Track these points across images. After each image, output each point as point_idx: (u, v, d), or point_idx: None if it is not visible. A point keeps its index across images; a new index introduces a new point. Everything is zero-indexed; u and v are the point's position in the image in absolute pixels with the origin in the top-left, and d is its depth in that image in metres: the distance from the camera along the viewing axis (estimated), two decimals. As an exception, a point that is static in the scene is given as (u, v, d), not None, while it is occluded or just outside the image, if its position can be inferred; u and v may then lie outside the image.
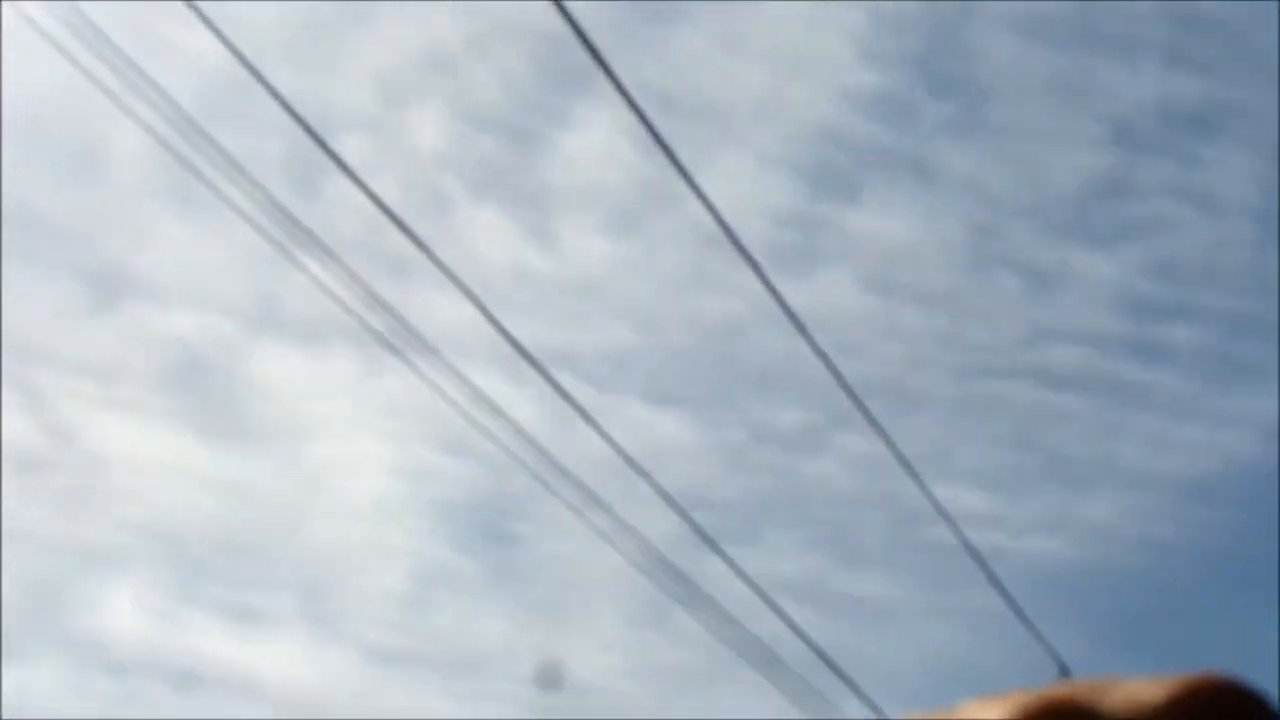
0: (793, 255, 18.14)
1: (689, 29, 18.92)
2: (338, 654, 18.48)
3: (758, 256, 7.36)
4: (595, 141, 17.58)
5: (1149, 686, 0.30)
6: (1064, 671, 12.81)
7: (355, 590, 18.44)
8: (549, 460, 9.19)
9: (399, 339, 8.63)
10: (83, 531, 17.57)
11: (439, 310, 9.65)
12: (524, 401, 9.99)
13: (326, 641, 18.64)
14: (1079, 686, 0.32)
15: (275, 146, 10.05)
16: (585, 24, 6.10)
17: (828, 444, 20.08)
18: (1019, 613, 10.96)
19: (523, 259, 17.16)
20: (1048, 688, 0.32)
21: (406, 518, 19.13)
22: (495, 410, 8.63)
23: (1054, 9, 19.76)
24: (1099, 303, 20.60)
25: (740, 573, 9.23)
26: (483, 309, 7.36)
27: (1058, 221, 21.22)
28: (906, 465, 8.23)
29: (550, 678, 13.64)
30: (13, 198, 15.78)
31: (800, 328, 7.03)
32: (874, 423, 7.92)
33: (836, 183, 19.85)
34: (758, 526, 18.85)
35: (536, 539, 18.65)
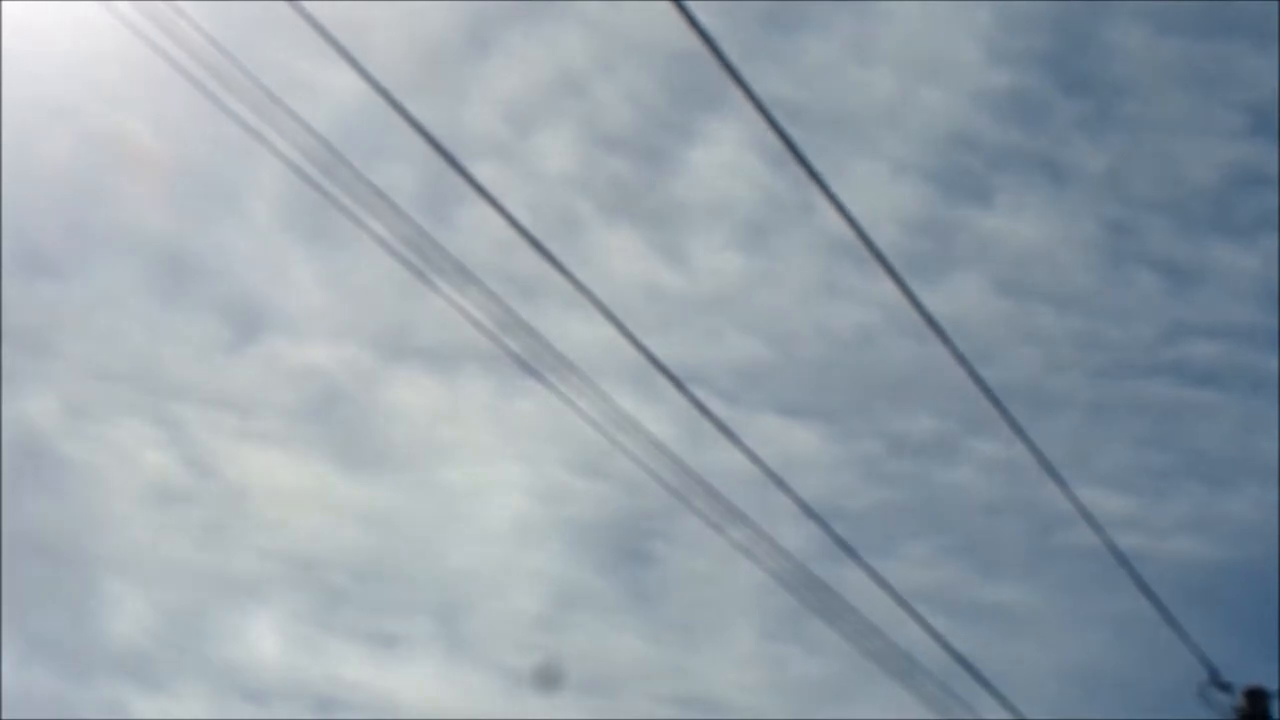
0: (925, 261, 17.98)
1: (816, 38, 18.88)
2: (476, 676, 18.58)
3: (890, 264, 7.31)
4: (723, 157, 17.59)
5: None
6: (1214, 676, 12.54)
7: (492, 612, 18.54)
8: (687, 476, 9.18)
9: (534, 361, 8.67)
10: (224, 561, 17.82)
11: (570, 331, 9.69)
12: (657, 419, 9.99)
13: (464, 664, 18.75)
14: None
15: (405, 177, 10.16)
16: (709, 37, 6.10)
17: (963, 451, 19.88)
18: (1166, 615, 10.75)
19: (654, 276, 17.19)
20: None
21: (542, 539, 19.20)
22: (634, 428, 8.64)
23: None
24: (1239, 295, 20.21)
25: (881, 581, 9.16)
26: (619, 325, 7.38)
27: (1195, 215, 20.87)
28: (1049, 468, 8.14)
29: (549, 678, 13.57)
30: (157, 237, 16.06)
31: (940, 332, 6.98)
32: (1015, 426, 7.84)
33: (968, 186, 19.69)
34: (894, 536, 18.71)
35: (672, 557, 18.65)
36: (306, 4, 6.39)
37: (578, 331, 10.24)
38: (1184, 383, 20.45)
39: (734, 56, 6.40)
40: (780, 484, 8.54)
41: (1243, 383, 20.71)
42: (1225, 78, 19.65)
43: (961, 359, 7.18)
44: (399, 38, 14.07)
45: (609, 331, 8.85)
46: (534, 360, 8.69)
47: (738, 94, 6.55)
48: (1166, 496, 20.39)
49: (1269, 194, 20.69)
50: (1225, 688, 12.47)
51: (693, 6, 6.01)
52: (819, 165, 6.64)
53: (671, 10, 6.01)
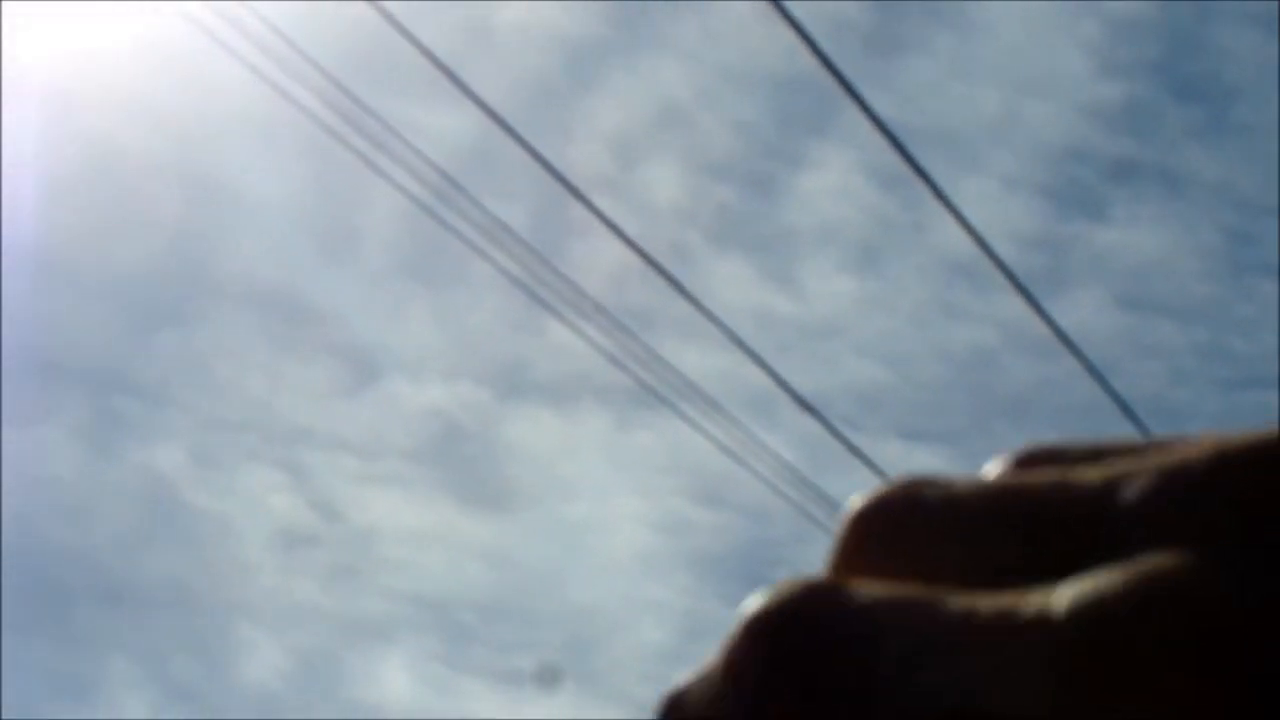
0: (1043, 277, 17.79)
1: (920, 58, 18.79)
2: (605, 709, 18.58)
3: (1003, 281, 7.22)
4: (830, 181, 17.53)
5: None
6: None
7: (621, 647, 18.53)
8: (817, 502, 9.12)
9: (655, 391, 8.65)
10: (352, 603, 17.96)
11: (684, 362, 9.69)
12: (779, 447, 9.95)
13: (595, 700, 18.75)
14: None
15: (514, 215, 10.21)
16: (817, 62, 6.07)
17: (1087, 472, 19.59)
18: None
19: (767, 304, 17.14)
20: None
21: (668, 572, 19.18)
22: (763, 452, 8.58)
23: (1293, 3, 19.19)
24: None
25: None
26: (745, 348, 7.34)
27: (1314, 222, 20.52)
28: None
29: (549, 677, 13.48)
30: (274, 282, 16.27)
31: (1069, 344, 6.88)
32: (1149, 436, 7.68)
33: (1082, 200, 19.50)
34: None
35: (799, 584, 18.54)
36: (407, 44, 6.42)
37: (692, 362, 10.23)
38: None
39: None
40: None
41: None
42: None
43: (1094, 371, 7.07)
44: (500, 77, 14.18)
45: (723, 361, 8.83)
46: (654, 391, 8.66)
47: (843, 118, 6.51)
48: None
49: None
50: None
51: (790, 34, 5.99)
52: (929, 186, 6.57)
53: (771, 38, 5.98)
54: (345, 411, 18.04)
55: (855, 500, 0.28)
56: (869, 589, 0.26)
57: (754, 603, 0.26)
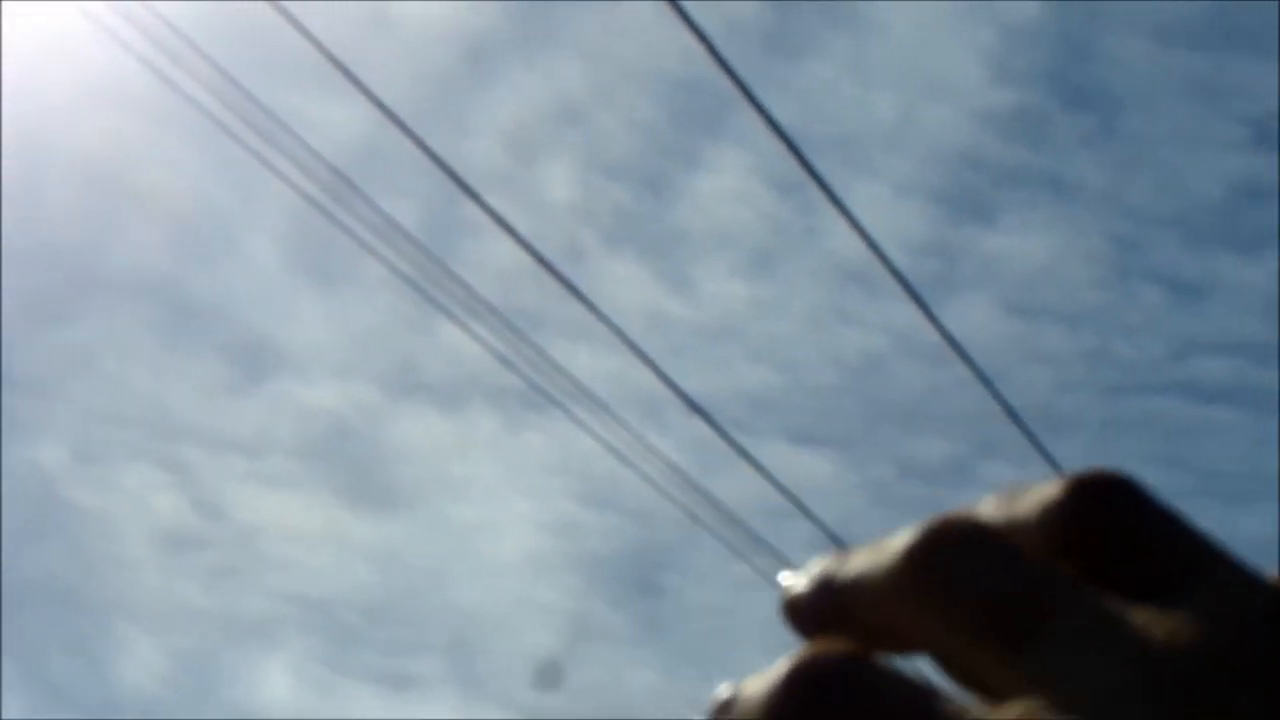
0: (933, 282, 17.92)
1: (817, 61, 18.87)
2: (491, 714, 18.49)
3: (895, 288, 7.23)
4: (726, 184, 17.56)
5: (1036, 493, 0.33)
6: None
7: (506, 650, 18.46)
8: (705, 505, 9.10)
9: (545, 393, 8.60)
10: (235, 604, 17.75)
11: (575, 363, 9.64)
12: (668, 450, 9.94)
13: (479, 703, 18.66)
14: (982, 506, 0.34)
15: (406, 212, 10.11)
16: (714, 64, 6.04)
17: (975, 475, 19.82)
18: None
19: (660, 306, 17.13)
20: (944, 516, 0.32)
21: (554, 573, 19.13)
22: (652, 455, 8.55)
23: (1186, 9, 19.48)
24: (1248, 311, 20.16)
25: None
26: (639, 352, 7.30)
27: (1201, 229, 20.84)
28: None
29: (549, 678, 13.53)
30: (161, 277, 16.04)
31: (960, 351, 6.90)
32: (1037, 444, 7.76)
33: (973, 205, 19.69)
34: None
35: (685, 588, 18.57)
36: (301, 38, 6.32)
37: (583, 363, 10.19)
38: (1195, 400, 20.39)
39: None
40: (800, 507, 8.46)
41: (1254, 400, 20.65)
42: (1228, 89, 19.66)
43: (983, 377, 7.11)
44: (395, 72, 14.05)
45: (614, 363, 8.80)
46: (545, 392, 8.60)
47: (739, 120, 6.50)
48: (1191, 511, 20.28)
49: (1275, 206, 20.67)
50: None
51: (687, 35, 5.96)
52: (823, 191, 6.57)
53: (669, 38, 5.95)
54: (232, 409, 17.81)
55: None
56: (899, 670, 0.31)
57: (804, 652, 0.31)
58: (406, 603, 18.65)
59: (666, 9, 5.67)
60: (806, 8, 18.46)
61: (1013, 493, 0.34)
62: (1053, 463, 8.29)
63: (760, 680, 0.32)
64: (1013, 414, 7.45)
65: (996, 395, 7.31)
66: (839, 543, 8.68)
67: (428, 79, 16.07)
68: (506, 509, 18.45)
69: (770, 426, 18.23)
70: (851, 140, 18.42)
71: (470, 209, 7.29)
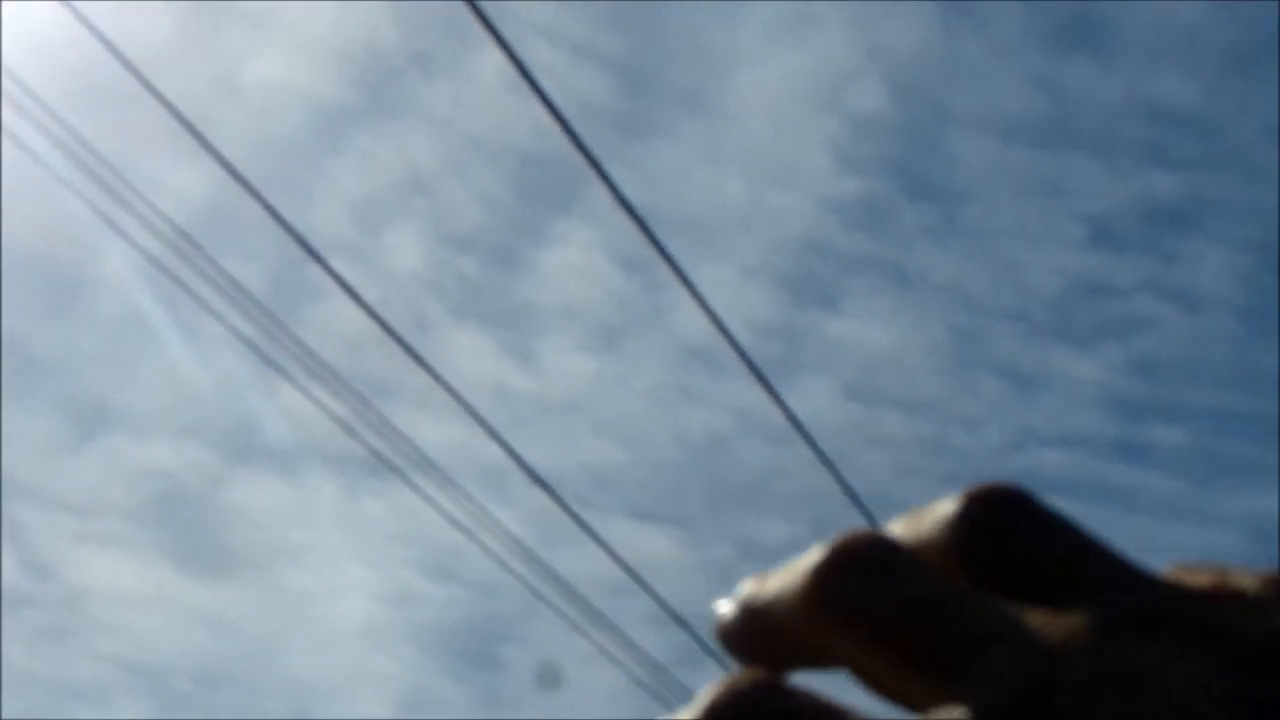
0: (775, 365, 18.08)
1: (668, 143, 19.04)
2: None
3: (739, 368, 7.30)
4: (574, 259, 17.61)
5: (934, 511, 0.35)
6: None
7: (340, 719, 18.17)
8: (546, 578, 9.07)
9: (387, 461, 8.53)
10: (62, 668, 17.32)
11: (420, 431, 9.58)
12: (510, 522, 9.89)
13: (313, 772, 18.34)
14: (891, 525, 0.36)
15: (250, 276, 10.02)
16: (566, 139, 6.08)
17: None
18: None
19: (505, 378, 17.09)
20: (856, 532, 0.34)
21: (391, 643, 18.91)
22: (493, 527, 8.51)
23: (1029, 109, 19.95)
24: (1083, 404, 20.60)
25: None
26: (483, 423, 7.27)
27: (1039, 323, 21.27)
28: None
29: (550, 678, 13.45)
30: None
31: (803, 432, 6.97)
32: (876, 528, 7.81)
33: (817, 291, 19.93)
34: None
35: (523, 661, 18.44)
36: (153, 100, 6.26)
37: (426, 433, 10.12)
38: (1031, 490, 20.68)
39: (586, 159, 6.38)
40: (640, 583, 8.45)
41: (1087, 492, 21.04)
42: (1067, 188, 20.16)
43: (824, 459, 7.18)
44: (246, 137, 13.94)
45: (458, 433, 8.76)
46: (388, 461, 8.54)
47: (589, 197, 6.54)
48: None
49: (1109, 302, 21.17)
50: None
51: (540, 110, 6.00)
52: (672, 269, 6.62)
53: (521, 113, 5.99)
54: (64, 467, 17.45)
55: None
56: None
57: (716, 685, 0.32)
58: (240, 670, 18.32)
59: (519, 83, 5.71)
60: (660, 90, 18.65)
61: (914, 512, 0.35)
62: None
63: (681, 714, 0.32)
64: (853, 496, 7.54)
65: (838, 477, 7.39)
66: (679, 621, 8.69)
67: (277, 145, 15.97)
68: (345, 577, 18.22)
69: (613, 502, 18.25)
70: (699, 222, 18.59)
71: (315, 274, 7.25)
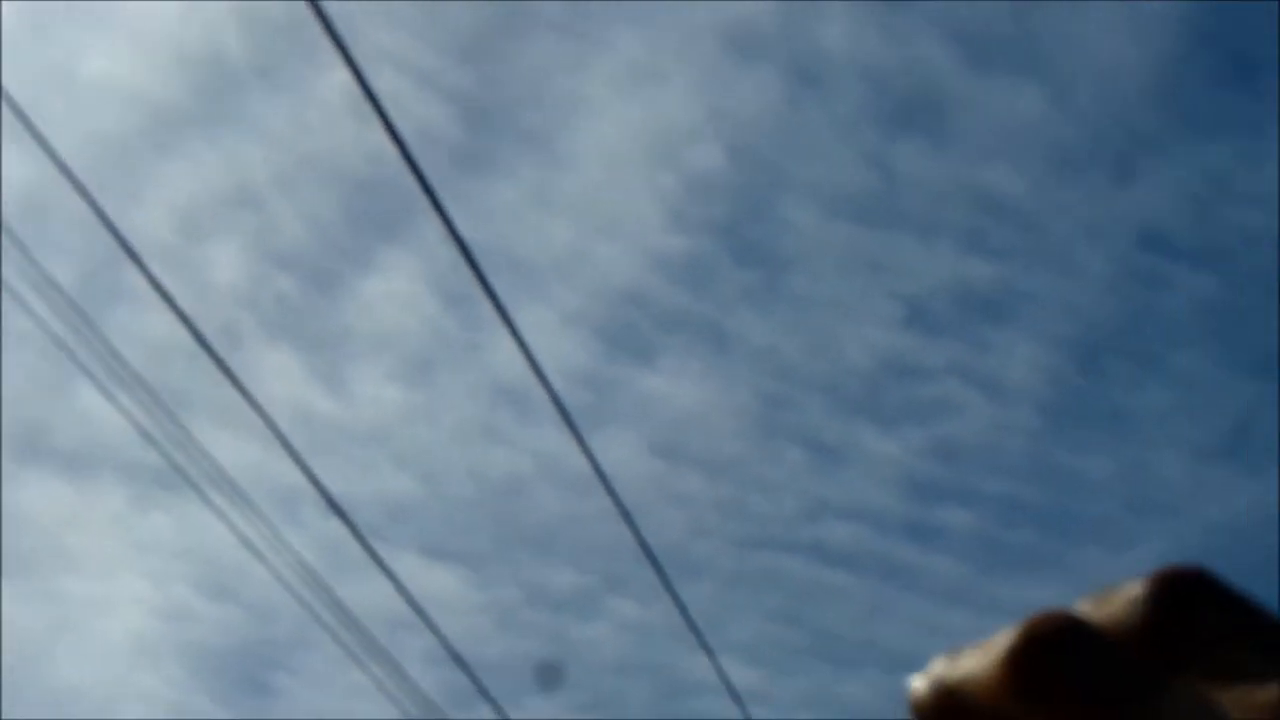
0: (584, 413, 18.10)
1: (504, 182, 19.02)
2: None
3: (547, 413, 7.29)
4: (396, 287, 17.48)
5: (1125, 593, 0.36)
6: None
7: (101, 733, 17.72)
8: (330, 607, 8.93)
9: (182, 473, 8.36)
10: None
11: (219, 447, 9.40)
12: (300, 546, 9.74)
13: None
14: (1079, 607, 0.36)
15: (66, 270, 9.78)
16: (401, 169, 6.03)
17: (601, 608, 19.98)
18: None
19: (310, 401, 16.89)
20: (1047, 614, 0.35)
21: (160, 660, 18.52)
22: (281, 551, 8.37)
23: (860, 184, 20.28)
24: (880, 481, 20.93)
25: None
26: (285, 444, 7.16)
27: (847, 397, 21.59)
28: (698, 633, 8.18)
29: (550, 678, 13.28)
30: None
31: (606, 484, 6.97)
32: (670, 588, 7.86)
33: (634, 344, 20.01)
34: (523, 688, 18.56)
35: (296, 690, 18.17)
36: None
37: (225, 449, 9.95)
38: (820, 561, 20.99)
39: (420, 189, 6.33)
40: (425, 620, 8.37)
41: (874, 568, 21.35)
42: (887, 266, 20.50)
43: (623, 511, 7.18)
44: (76, 130, 13.66)
45: (256, 453, 8.60)
46: (179, 473, 8.36)
47: (417, 227, 6.49)
48: (790, 672, 20.77)
49: (917, 383, 21.56)
50: None
51: (379, 134, 5.95)
52: (494, 307, 6.59)
53: (359, 136, 5.93)
54: None
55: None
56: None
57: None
58: (4, 674, 17.80)
59: (361, 106, 5.66)
60: (502, 128, 18.63)
61: (1102, 593, 0.36)
62: (680, 605, 8.41)
63: None
64: (647, 551, 7.55)
65: (635, 531, 7.40)
66: (458, 660, 8.61)
67: (107, 142, 15.65)
68: (121, 588, 17.82)
69: (406, 535, 18.08)
70: (525, 263, 18.58)
71: (131, 278, 7.09)
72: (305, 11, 5.52)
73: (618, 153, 19.01)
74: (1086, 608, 0.36)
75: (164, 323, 7.44)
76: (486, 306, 6.68)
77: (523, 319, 17.74)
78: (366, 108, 5.69)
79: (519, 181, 19.06)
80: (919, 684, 0.38)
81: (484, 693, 8.67)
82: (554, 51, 19.05)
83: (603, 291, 20.23)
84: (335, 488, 9.03)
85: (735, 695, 8.85)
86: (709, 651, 8.19)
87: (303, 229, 17.88)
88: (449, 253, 6.56)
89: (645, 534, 7.95)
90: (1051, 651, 0.34)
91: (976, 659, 0.36)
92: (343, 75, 5.55)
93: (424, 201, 6.17)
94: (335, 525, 8.28)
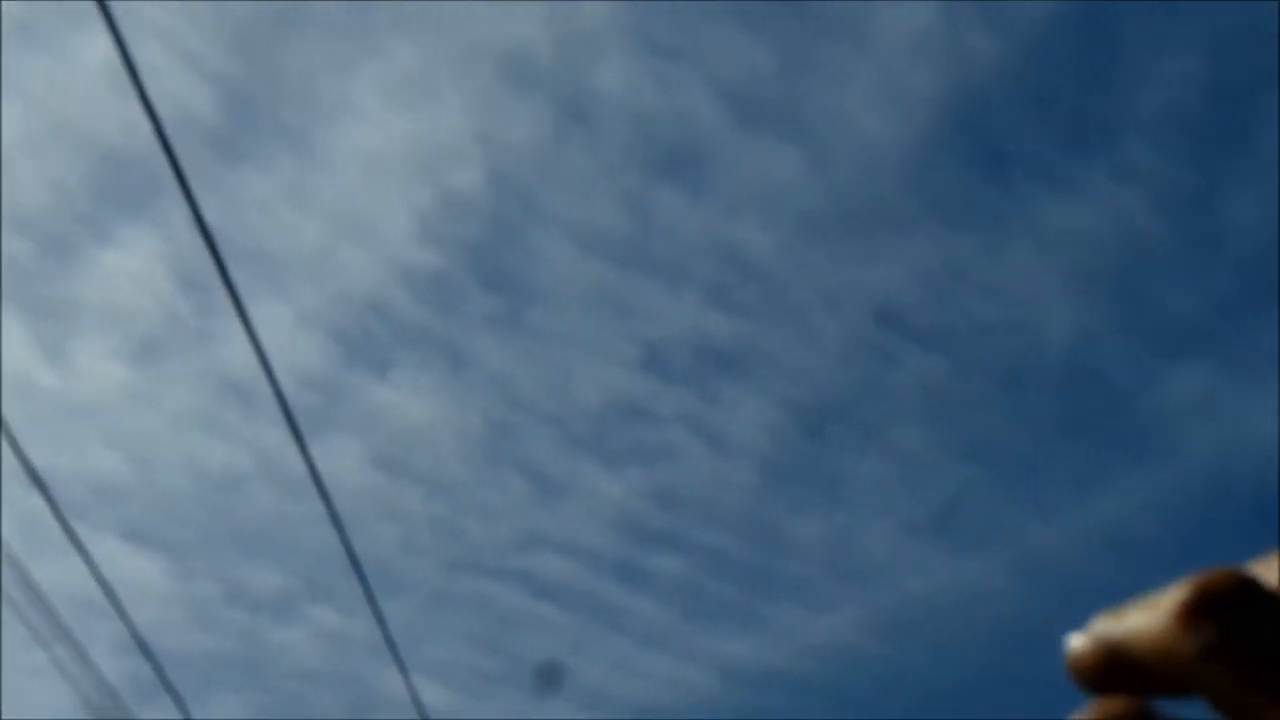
0: (311, 416, 17.89)
1: (258, 173, 18.72)
2: None
3: (272, 411, 7.18)
4: (133, 265, 17.07)
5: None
6: None
7: None
8: (18, 583, 8.66)
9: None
10: None
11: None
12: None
13: None
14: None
15: None
16: (153, 145, 5.91)
17: (300, 614, 19.72)
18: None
19: (29, 369, 16.38)
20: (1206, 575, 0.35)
21: None
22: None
23: (615, 226, 20.45)
24: (598, 520, 21.06)
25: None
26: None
27: (576, 433, 21.69)
28: (394, 650, 8.11)
29: (550, 677, 12.93)
30: None
31: (322, 490, 6.88)
32: (372, 600, 7.78)
33: (370, 353, 19.83)
34: (210, 684, 18.25)
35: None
36: None
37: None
38: (528, 591, 21.04)
39: (170, 172, 6.20)
40: (117, 607, 8.16)
41: (581, 604, 21.47)
42: (631, 310, 20.71)
43: (337, 521, 7.10)
44: None
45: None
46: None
47: (162, 206, 6.37)
48: (484, 698, 20.76)
49: (646, 428, 21.78)
50: None
51: (136, 107, 5.82)
52: (231, 297, 6.48)
53: (115, 108, 5.81)
54: None
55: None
56: None
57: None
58: None
59: (121, 77, 5.53)
60: (263, 120, 18.35)
61: (1271, 556, 0.36)
62: (380, 619, 8.33)
63: None
64: (354, 561, 7.47)
65: (344, 539, 7.32)
66: (145, 649, 8.40)
67: None
68: None
69: (110, 517, 17.60)
70: (269, 257, 18.31)
71: None
72: (74, -29, 5.37)
73: (378, 160, 18.89)
74: (1255, 567, 0.37)
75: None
76: (223, 295, 6.57)
77: (259, 313, 17.49)
78: (126, 80, 5.56)
79: (274, 175, 18.80)
80: (1078, 642, 0.38)
81: (168, 686, 8.48)
82: (327, 51, 18.86)
83: (345, 296, 20.04)
84: (41, 459, 8.76)
85: (423, 714, 8.79)
86: (403, 668, 8.14)
87: (45, 193, 17.37)
88: (192, 237, 6.43)
89: (356, 544, 7.87)
90: (1224, 607, 0.34)
91: (1143, 615, 0.36)
92: (105, 44, 5.42)
93: (173, 181, 6.05)
94: (37, 500, 8.04)
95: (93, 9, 5.38)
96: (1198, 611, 0.35)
